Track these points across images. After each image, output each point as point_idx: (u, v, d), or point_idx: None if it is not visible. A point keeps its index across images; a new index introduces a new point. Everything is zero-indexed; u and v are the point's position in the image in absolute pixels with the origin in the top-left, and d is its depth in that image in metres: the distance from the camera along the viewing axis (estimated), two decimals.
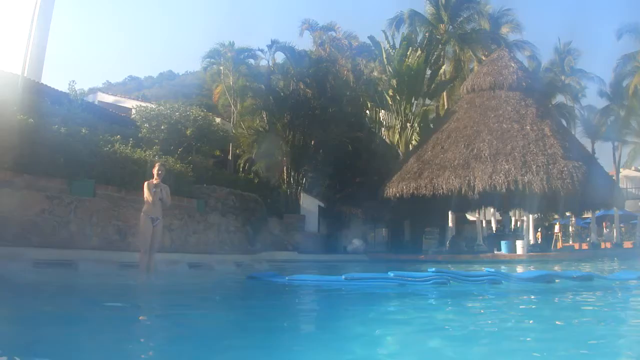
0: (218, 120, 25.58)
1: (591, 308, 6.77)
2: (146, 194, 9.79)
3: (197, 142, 20.55)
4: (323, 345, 3.99)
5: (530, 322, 5.56)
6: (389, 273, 8.48)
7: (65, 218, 11.40)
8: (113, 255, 11.38)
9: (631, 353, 3.88)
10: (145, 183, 9.93)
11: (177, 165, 16.38)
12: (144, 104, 22.22)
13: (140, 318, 5.46)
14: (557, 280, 9.31)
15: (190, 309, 6.08)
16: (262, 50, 34.20)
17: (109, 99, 32.65)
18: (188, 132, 19.52)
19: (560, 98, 45.24)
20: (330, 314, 6.09)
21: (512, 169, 23.38)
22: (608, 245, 37.45)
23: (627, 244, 37.43)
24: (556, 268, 14.74)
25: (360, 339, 4.28)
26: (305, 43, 44.30)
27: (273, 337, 4.27)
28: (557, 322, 5.40)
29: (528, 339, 4.39)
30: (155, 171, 9.99)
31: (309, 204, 29.67)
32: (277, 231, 24.41)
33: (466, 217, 35.68)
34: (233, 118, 33.71)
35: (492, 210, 33.41)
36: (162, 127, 19.23)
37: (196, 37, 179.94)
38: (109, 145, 13.46)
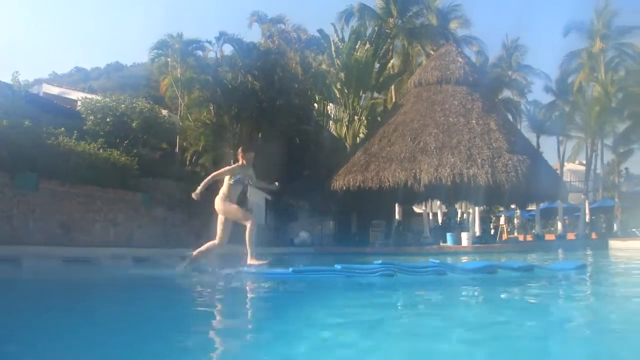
0: (165, 112, 25.15)
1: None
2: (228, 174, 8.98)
3: (143, 134, 20.27)
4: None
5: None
6: (335, 266, 8.47)
7: (7, 213, 11.23)
8: (57, 251, 11.08)
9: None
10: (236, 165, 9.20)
11: (122, 159, 16.21)
12: (89, 96, 21.88)
13: None
14: (499, 271, 9.41)
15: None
16: (210, 42, 33.70)
17: (54, 90, 31.71)
18: (134, 124, 19.23)
19: (506, 93, 46.30)
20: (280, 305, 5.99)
21: (458, 162, 23.59)
22: (552, 237, 38.48)
23: (571, 236, 38.52)
24: (502, 259, 14.95)
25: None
26: (254, 35, 43.88)
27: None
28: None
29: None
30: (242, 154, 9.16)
31: (257, 196, 29.41)
32: None
33: (413, 210, 36.09)
34: (180, 110, 33.14)
35: (438, 202, 33.80)
36: (108, 120, 18.95)
37: (144, 28, 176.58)
38: (53, 138, 13.07)
